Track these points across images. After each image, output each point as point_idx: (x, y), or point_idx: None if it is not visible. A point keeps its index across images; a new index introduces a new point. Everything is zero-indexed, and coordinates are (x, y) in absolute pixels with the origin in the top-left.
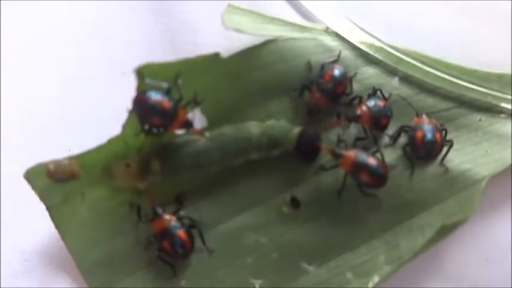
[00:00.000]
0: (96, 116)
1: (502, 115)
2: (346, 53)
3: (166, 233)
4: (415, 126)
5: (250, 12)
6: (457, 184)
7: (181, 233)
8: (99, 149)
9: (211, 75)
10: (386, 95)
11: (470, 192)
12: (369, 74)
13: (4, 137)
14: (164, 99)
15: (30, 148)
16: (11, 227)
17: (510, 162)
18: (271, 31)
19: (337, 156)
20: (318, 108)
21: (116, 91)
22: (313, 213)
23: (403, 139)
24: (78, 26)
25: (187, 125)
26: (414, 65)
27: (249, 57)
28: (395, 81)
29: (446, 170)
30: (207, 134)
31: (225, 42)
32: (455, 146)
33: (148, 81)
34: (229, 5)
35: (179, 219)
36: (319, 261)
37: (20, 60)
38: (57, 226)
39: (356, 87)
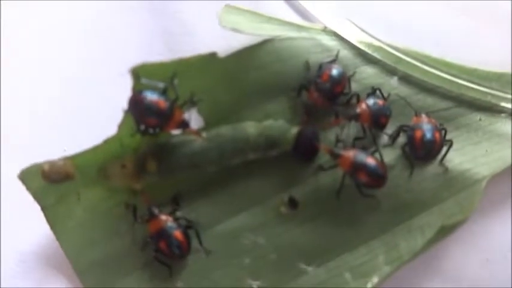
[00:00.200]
0: (92, 116)
1: (502, 114)
2: (345, 53)
3: (162, 234)
4: (414, 125)
5: (247, 12)
6: (457, 184)
7: (177, 233)
8: (94, 149)
9: (208, 75)
10: (385, 95)
11: (470, 192)
12: (367, 74)
13: (2, 137)
14: (160, 99)
15: (25, 148)
16: (7, 228)
17: (510, 162)
18: (269, 31)
19: (335, 156)
20: (316, 108)
21: (113, 91)
22: (312, 214)
23: (402, 139)
24: (76, 26)
25: (184, 125)
26: (413, 65)
27: (246, 57)
28: (394, 81)
29: (446, 170)
30: (204, 134)
31: (222, 42)
32: (454, 146)
33: (144, 81)
34: (226, 5)
35: (176, 219)
36: (318, 262)
37: (20, 60)
38: (52, 227)
39: (355, 86)
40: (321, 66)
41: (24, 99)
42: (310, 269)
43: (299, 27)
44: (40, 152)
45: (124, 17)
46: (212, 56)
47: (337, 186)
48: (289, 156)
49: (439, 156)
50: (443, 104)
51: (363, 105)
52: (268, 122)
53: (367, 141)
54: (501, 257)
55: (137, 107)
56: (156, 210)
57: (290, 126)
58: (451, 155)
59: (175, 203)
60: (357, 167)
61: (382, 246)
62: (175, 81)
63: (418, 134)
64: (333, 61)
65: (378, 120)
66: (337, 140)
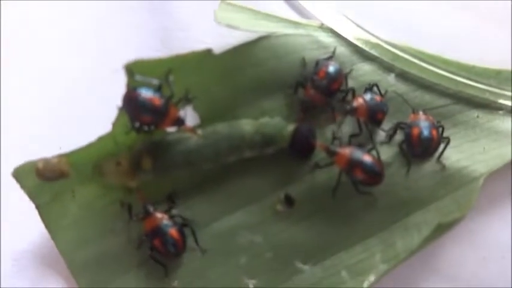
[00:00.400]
0: (87, 113)
1: (500, 112)
2: (342, 50)
3: (157, 232)
4: (412, 123)
5: (243, 9)
6: (454, 182)
7: (173, 231)
8: (89, 146)
9: (204, 72)
10: (382, 92)
11: (468, 190)
12: (364, 71)
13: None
14: (155, 96)
15: (20, 146)
16: (1, 227)
17: (508, 159)
18: (265, 27)
19: (331, 153)
20: (312, 105)
21: (108, 88)
22: (308, 212)
23: (399, 136)
24: (72, 25)
25: (179, 122)
26: (411, 62)
27: (242, 54)
28: (391, 78)
29: (443, 167)
30: (200, 132)
31: (217, 38)
32: (452, 143)
33: (138, 78)
34: (222, 1)
35: (171, 217)
36: (314, 261)
37: (19, 59)
38: (46, 225)
39: (352, 84)
40: (317, 63)
41: (19, 97)
42: (306, 267)
43: (296, 24)
44: (35, 150)
45: (120, 14)
46: (208, 53)
47: (334, 184)
48: (285, 153)
49: (436, 154)
50: (440, 101)
51: (360, 100)
52: (265, 119)
53: (364, 137)
54: (498, 255)
55: (131, 104)
56: (151, 208)
57: (286, 124)
58: (448, 152)
59: (170, 201)
60: (353, 164)
61: (378, 244)
62: (171, 78)
63: (415, 131)
64: (330, 58)
65: (374, 115)
66: (334, 137)
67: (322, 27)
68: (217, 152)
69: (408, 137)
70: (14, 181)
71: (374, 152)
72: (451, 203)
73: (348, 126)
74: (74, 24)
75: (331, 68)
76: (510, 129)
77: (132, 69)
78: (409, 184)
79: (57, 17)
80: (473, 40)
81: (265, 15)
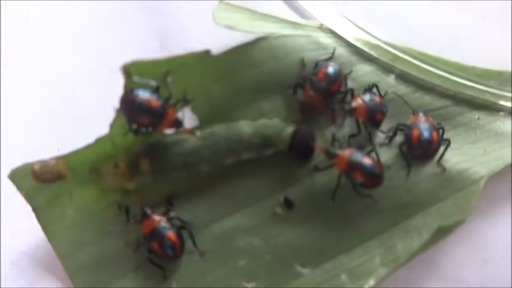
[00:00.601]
0: (84, 114)
1: (501, 113)
2: (341, 50)
3: (155, 234)
4: (412, 124)
5: (242, 9)
6: (455, 184)
7: (171, 234)
8: (86, 148)
9: (202, 73)
10: (382, 93)
11: (468, 192)
12: (364, 72)
13: None
14: (152, 98)
15: (17, 148)
16: None
17: (509, 161)
18: (264, 28)
19: (331, 155)
20: (311, 106)
21: (105, 90)
22: (307, 215)
23: (399, 138)
24: (70, 25)
25: (177, 123)
26: (411, 63)
27: (241, 55)
28: (391, 79)
29: (444, 169)
30: (198, 133)
31: (216, 39)
32: (452, 145)
33: (136, 79)
34: (220, 2)
35: (169, 220)
36: (314, 264)
37: (18, 60)
38: (43, 228)
39: (351, 85)
40: (316, 64)
41: (18, 98)
42: (306, 270)
43: (295, 25)
44: (33, 152)
45: (118, 14)
46: (206, 54)
47: (333, 187)
48: (284, 155)
49: (437, 156)
50: (440, 102)
51: (359, 100)
52: (263, 121)
53: (363, 139)
54: (499, 257)
55: (129, 106)
56: (148, 210)
57: (285, 125)
58: (448, 154)
59: (168, 203)
60: (352, 167)
61: (378, 247)
62: (169, 79)
63: (415, 133)
64: (329, 59)
65: (373, 116)
66: (333, 139)
67: (322, 28)
68: (216, 154)
69: (408, 139)
70: (10, 183)
71: (374, 155)
72: (452, 205)
73: (347, 128)
74: (73, 25)
75: (331, 69)
76: (511, 131)
77: (130, 71)
78: (409, 186)
79: (57, 17)
80: (473, 41)
81: (263, 15)
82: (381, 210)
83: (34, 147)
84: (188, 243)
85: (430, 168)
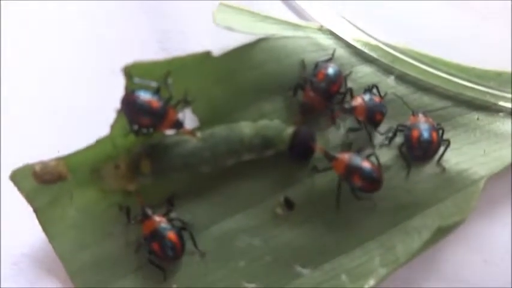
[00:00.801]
0: (85, 116)
1: (501, 114)
2: (341, 52)
3: (156, 235)
4: (411, 125)
5: (242, 11)
6: (455, 184)
7: (171, 235)
8: (87, 149)
9: (203, 74)
10: (382, 94)
11: (468, 193)
12: (364, 73)
13: None
14: (153, 99)
15: (18, 149)
16: (0, 230)
17: (508, 162)
18: (264, 29)
19: (330, 158)
20: (311, 107)
21: (106, 91)
22: (308, 215)
23: (399, 139)
24: (71, 26)
25: (178, 125)
26: (410, 64)
27: (241, 56)
28: (391, 80)
29: (443, 170)
30: (198, 134)
31: (216, 40)
32: (452, 146)
33: (137, 80)
34: (220, 3)
35: (170, 220)
36: (314, 264)
37: (19, 60)
38: (44, 229)
39: (351, 86)
40: (316, 65)
41: (18, 99)
42: (306, 271)
43: (295, 26)
44: (34, 153)
45: (119, 16)
46: (206, 55)
47: (334, 187)
48: (284, 156)
49: (437, 156)
50: (440, 103)
51: (359, 99)
52: (264, 122)
53: (363, 140)
54: (499, 258)
55: (130, 107)
56: (149, 211)
57: (286, 126)
58: (448, 154)
59: (169, 204)
60: (351, 171)
61: (378, 248)
62: (169, 81)
63: (415, 133)
64: (329, 60)
65: (373, 116)
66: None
67: (322, 29)
68: (216, 155)
69: (408, 140)
70: (11, 184)
71: (373, 158)
72: (452, 206)
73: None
74: (73, 26)
75: (331, 70)
76: (510, 132)
77: (131, 72)
78: (409, 187)
79: (57, 18)
80: (473, 41)
81: (264, 17)
82: (380, 211)
83: (34, 148)
84: (189, 244)
85: (430, 168)
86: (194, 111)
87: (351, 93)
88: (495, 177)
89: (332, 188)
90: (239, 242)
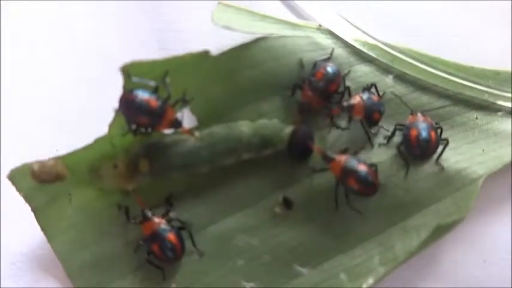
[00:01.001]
0: (83, 115)
1: (499, 113)
2: (339, 51)
3: (156, 237)
4: (410, 124)
5: (241, 10)
6: (453, 183)
7: (171, 236)
8: (85, 149)
9: (201, 73)
10: (380, 93)
11: (467, 192)
12: (362, 72)
13: None
14: (151, 98)
15: (17, 148)
16: None
17: (507, 161)
18: (262, 29)
19: (328, 159)
20: (310, 107)
21: (105, 90)
22: (306, 214)
23: (397, 138)
24: (69, 26)
25: (176, 124)
26: (409, 63)
27: (240, 55)
28: (389, 79)
29: (442, 169)
30: (197, 134)
31: (215, 39)
32: (451, 145)
33: (135, 79)
34: (219, 3)
35: (169, 221)
36: (313, 263)
37: (18, 60)
38: (43, 228)
39: (349, 85)
40: (315, 65)
41: (17, 99)
42: (305, 270)
43: (293, 25)
44: (32, 152)
45: (117, 15)
46: (205, 54)
47: (332, 187)
48: (283, 155)
49: (435, 155)
50: (439, 102)
51: (357, 98)
52: (262, 121)
53: (362, 139)
54: (498, 258)
55: (128, 106)
56: (149, 213)
57: (284, 126)
58: (447, 154)
59: (168, 204)
60: (347, 173)
61: (377, 246)
62: (167, 80)
63: (413, 132)
64: (328, 59)
65: (371, 115)
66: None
67: (320, 29)
68: (215, 154)
69: (406, 139)
70: (9, 183)
71: (370, 154)
72: (450, 204)
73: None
74: (72, 26)
75: (329, 70)
76: (509, 131)
77: (129, 71)
78: (408, 186)
79: (57, 17)
80: (472, 41)
81: (262, 16)
82: (379, 210)
83: (33, 148)
84: (187, 244)
85: (429, 167)
86: (192, 111)
87: (349, 92)
88: (495, 177)
89: (331, 188)
90: (238, 241)
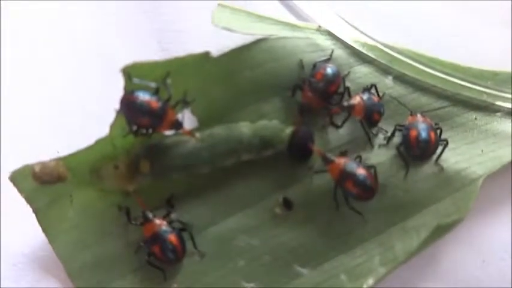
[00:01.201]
0: (84, 116)
1: (498, 114)
2: (339, 52)
3: (157, 238)
4: (409, 125)
5: (241, 11)
6: (453, 184)
7: (172, 237)
8: (86, 150)
9: (202, 74)
10: (380, 94)
11: (466, 192)
12: (362, 73)
13: None
14: (152, 99)
15: (18, 150)
16: (0, 231)
17: (506, 161)
18: (262, 30)
19: (327, 161)
20: (310, 108)
21: (106, 91)
22: (307, 215)
23: (397, 138)
24: (70, 27)
25: (177, 125)
26: (408, 64)
27: (240, 56)
28: (389, 80)
29: (442, 169)
30: (198, 135)
31: (215, 41)
32: (450, 145)
33: (136, 81)
34: (219, 4)
35: (170, 222)
36: (313, 264)
37: (18, 60)
38: (44, 229)
39: (349, 86)
40: (315, 66)
41: (18, 99)
42: (305, 270)
43: (293, 27)
44: (34, 153)
45: (117, 16)
46: (205, 55)
47: (332, 188)
48: (283, 156)
49: (435, 156)
50: (438, 103)
51: (358, 98)
52: (262, 122)
53: (362, 140)
54: (498, 258)
55: (129, 107)
56: (150, 215)
57: (284, 127)
58: (446, 154)
59: (169, 205)
60: (345, 176)
61: (377, 247)
62: (168, 81)
63: (413, 133)
64: (327, 60)
65: (371, 116)
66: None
67: (320, 30)
68: (215, 155)
69: (406, 139)
70: (11, 184)
71: (371, 155)
72: (450, 205)
73: (345, 130)
74: (73, 26)
75: (329, 71)
76: (508, 131)
77: (130, 72)
78: (408, 186)
79: (57, 18)
80: (471, 41)
81: (262, 17)
82: (379, 210)
83: (34, 149)
84: (188, 245)
85: (428, 168)
86: (193, 112)
87: (348, 92)
88: (494, 177)
89: (331, 188)
90: (238, 242)
